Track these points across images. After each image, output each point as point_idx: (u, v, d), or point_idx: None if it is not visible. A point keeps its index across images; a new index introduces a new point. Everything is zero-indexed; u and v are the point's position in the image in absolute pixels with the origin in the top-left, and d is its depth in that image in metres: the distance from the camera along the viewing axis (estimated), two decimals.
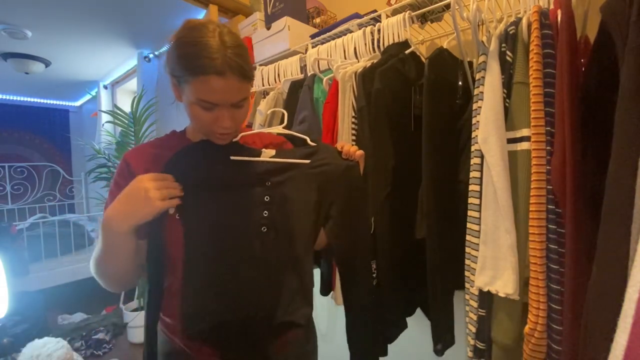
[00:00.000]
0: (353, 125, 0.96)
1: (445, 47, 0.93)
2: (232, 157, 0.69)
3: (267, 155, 0.72)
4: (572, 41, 0.64)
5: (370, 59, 1.05)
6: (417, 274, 0.92)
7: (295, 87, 1.20)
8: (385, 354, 0.97)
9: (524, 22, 0.73)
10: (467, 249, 0.80)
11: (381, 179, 0.91)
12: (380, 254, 0.92)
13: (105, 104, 3.71)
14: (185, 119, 0.73)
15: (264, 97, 1.46)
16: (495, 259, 0.71)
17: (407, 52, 0.98)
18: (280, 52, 1.41)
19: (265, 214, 0.69)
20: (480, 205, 0.74)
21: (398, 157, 0.92)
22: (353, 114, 0.96)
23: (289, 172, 0.73)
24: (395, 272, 0.93)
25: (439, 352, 0.90)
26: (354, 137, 0.94)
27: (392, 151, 0.91)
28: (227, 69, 0.59)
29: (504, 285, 0.69)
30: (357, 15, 1.19)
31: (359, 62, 1.07)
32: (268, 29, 1.44)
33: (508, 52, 0.74)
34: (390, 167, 0.91)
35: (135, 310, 1.79)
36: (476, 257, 0.75)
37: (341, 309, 0.80)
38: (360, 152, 0.76)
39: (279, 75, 1.39)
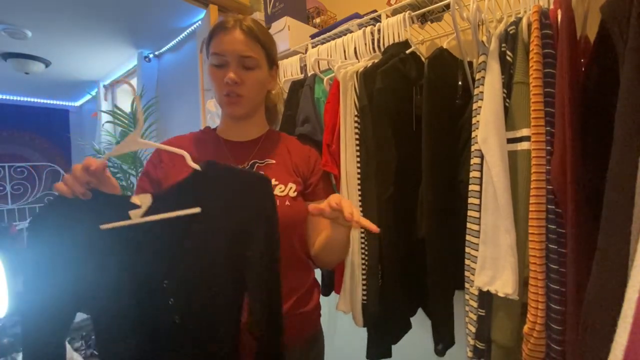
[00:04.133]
0: (356, 125, 0.95)
1: (445, 47, 0.93)
2: (101, 227, 0.51)
3: (137, 214, 0.51)
4: (572, 41, 0.64)
5: (371, 58, 1.05)
6: (420, 273, 0.92)
7: (296, 87, 1.20)
8: (389, 355, 0.97)
9: (524, 22, 0.73)
10: (467, 249, 0.80)
11: (385, 179, 0.91)
12: (385, 255, 0.92)
13: (105, 104, 3.71)
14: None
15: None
16: (494, 259, 0.71)
17: (407, 52, 0.98)
18: (280, 52, 1.41)
19: (171, 302, 0.54)
20: (480, 205, 0.74)
21: (400, 157, 0.92)
22: (355, 113, 0.96)
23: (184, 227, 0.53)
24: (399, 272, 0.93)
25: (439, 352, 0.90)
26: (357, 137, 0.94)
27: (395, 151, 0.91)
28: (236, 27, 0.71)
29: (504, 285, 0.69)
30: (357, 15, 1.19)
31: (359, 62, 1.07)
32: (268, 28, 1.44)
33: (508, 52, 0.74)
34: (394, 167, 0.91)
35: None
36: (476, 257, 0.75)
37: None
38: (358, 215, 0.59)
39: (279, 75, 1.39)
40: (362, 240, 0.94)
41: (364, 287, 0.94)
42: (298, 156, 0.83)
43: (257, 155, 0.79)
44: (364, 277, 0.94)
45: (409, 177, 0.91)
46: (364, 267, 0.94)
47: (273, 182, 0.72)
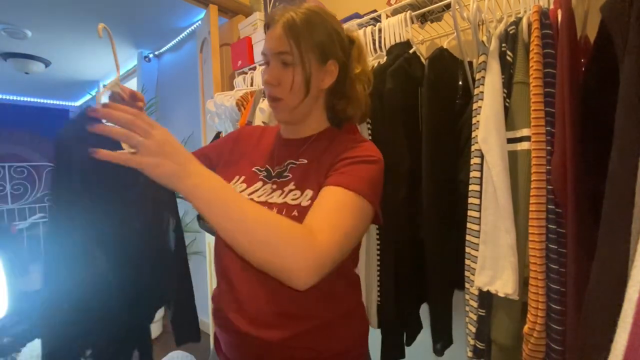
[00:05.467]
0: (368, 126, 0.95)
1: (445, 47, 0.93)
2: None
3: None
4: (572, 41, 0.64)
5: (375, 58, 1.05)
6: (424, 271, 0.92)
7: None
8: (403, 356, 0.97)
9: (524, 22, 0.73)
10: (467, 249, 0.80)
11: (398, 180, 0.89)
12: (399, 256, 0.92)
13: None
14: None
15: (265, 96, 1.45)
16: (495, 258, 0.71)
17: (410, 52, 0.98)
18: None
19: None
20: (480, 205, 0.74)
21: (411, 157, 0.91)
22: None
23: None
24: (414, 273, 0.93)
25: (438, 351, 0.91)
26: (370, 138, 0.94)
27: (407, 151, 0.90)
28: (277, 21, 0.63)
29: (504, 285, 0.69)
30: (357, 15, 1.19)
31: None
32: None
33: (508, 52, 0.74)
34: (406, 167, 0.90)
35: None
36: (476, 257, 0.75)
37: None
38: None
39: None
40: (377, 242, 0.94)
41: (379, 288, 0.94)
42: (335, 151, 0.65)
43: (300, 154, 0.69)
44: (379, 278, 0.94)
45: (418, 178, 0.90)
46: (378, 268, 0.94)
47: (290, 186, 0.64)
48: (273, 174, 0.67)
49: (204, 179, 0.47)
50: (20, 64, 2.97)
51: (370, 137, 0.94)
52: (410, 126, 0.93)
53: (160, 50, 3.01)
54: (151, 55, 3.05)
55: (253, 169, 0.70)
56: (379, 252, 0.94)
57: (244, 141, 0.77)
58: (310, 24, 0.63)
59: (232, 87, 1.71)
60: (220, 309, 0.65)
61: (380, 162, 0.63)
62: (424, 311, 1.02)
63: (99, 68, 3.44)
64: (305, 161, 0.67)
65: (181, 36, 2.71)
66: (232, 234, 0.47)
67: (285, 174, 0.66)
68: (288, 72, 0.63)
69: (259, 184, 0.67)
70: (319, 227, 0.51)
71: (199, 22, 2.13)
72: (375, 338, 0.96)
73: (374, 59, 1.04)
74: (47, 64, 3.11)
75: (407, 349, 0.99)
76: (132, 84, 3.44)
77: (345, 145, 0.64)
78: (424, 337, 0.98)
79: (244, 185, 0.67)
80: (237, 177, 0.69)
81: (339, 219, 0.53)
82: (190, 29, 2.59)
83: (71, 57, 3.10)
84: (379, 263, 0.94)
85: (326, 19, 0.67)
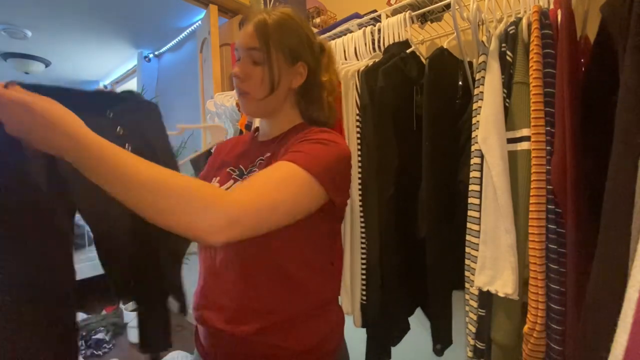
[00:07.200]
0: (357, 123, 0.95)
1: (445, 47, 0.93)
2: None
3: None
4: (572, 41, 0.64)
5: (372, 57, 1.05)
6: (419, 273, 0.92)
7: None
8: (389, 357, 0.97)
9: (524, 22, 0.73)
10: (467, 249, 0.80)
11: (386, 178, 0.90)
12: (385, 254, 0.92)
13: None
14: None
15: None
16: (494, 258, 0.71)
17: (407, 51, 0.98)
18: None
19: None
20: (480, 205, 0.74)
21: (401, 156, 0.91)
22: (357, 112, 0.95)
23: None
24: (399, 272, 0.93)
25: (438, 352, 0.91)
26: (358, 136, 0.94)
27: (396, 150, 0.91)
28: (250, 20, 0.67)
29: (504, 285, 0.69)
30: (357, 15, 1.19)
31: (360, 62, 1.07)
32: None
33: (508, 52, 0.74)
34: (395, 166, 0.91)
35: (135, 310, 1.80)
36: (476, 257, 0.75)
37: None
38: None
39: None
40: (362, 240, 0.94)
41: (364, 287, 0.94)
42: (295, 138, 0.66)
43: (269, 150, 0.70)
44: (364, 277, 0.94)
45: (410, 177, 0.91)
46: (363, 266, 0.94)
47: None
48: (245, 173, 0.70)
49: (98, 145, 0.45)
50: (20, 64, 2.97)
51: (358, 135, 0.94)
52: (402, 125, 0.93)
53: (160, 50, 3.01)
54: (151, 55, 3.05)
55: (227, 170, 0.73)
56: (364, 251, 0.94)
57: (220, 153, 0.83)
58: (281, 26, 0.67)
59: (232, 87, 1.71)
60: (196, 304, 0.68)
61: (338, 146, 0.61)
62: (423, 312, 1.03)
63: (98, 68, 3.45)
64: (269, 154, 0.69)
65: (181, 36, 2.71)
66: (133, 187, 0.44)
67: (254, 169, 0.69)
68: (256, 69, 0.66)
69: (231, 182, 0.70)
70: (243, 190, 0.51)
71: (199, 22, 2.13)
72: (361, 336, 0.96)
73: (370, 59, 1.05)
74: (47, 64, 3.11)
75: (406, 349, 0.99)
76: (132, 84, 3.44)
77: (305, 132, 0.65)
78: (424, 337, 0.98)
79: (217, 185, 0.71)
80: (213, 180, 0.74)
81: (269, 188, 0.52)
82: (190, 29, 2.59)
83: (71, 57, 3.10)
84: (364, 261, 0.94)
85: (299, 23, 0.70)
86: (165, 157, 0.67)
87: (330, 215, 0.64)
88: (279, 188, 0.52)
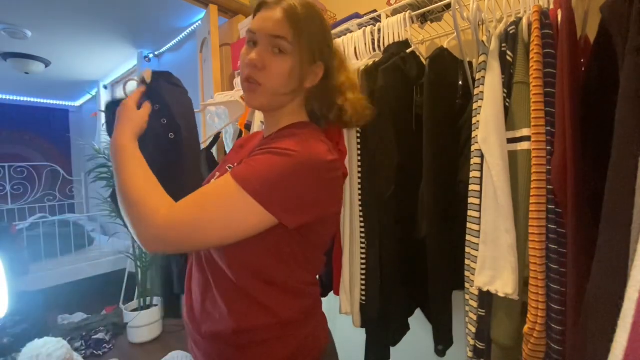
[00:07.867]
0: None
1: (445, 47, 0.93)
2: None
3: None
4: (572, 41, 0.64)
5: (372, 57, 1.05)
6: (419, 273, 0.92)
7: None
8: (388, 357, 0.97)
9: (524, 22, 0.73)
10: (467, 249, 0.80)
11: (385, 178, 0.90)
12: (384, 254, 0.92)
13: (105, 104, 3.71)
14: None
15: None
16: (495, 259, 0.71)
17: (407, 51, 0.98)
18: None
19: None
20: (480, 205, 0.74)
21: (401, 156, 0.92)
22: None
23: None
24: (399, 272, 0.93)
25: (440, 352, 0.91)
26: (358, 135, 0.94)
27: (396, 150, 0.91)
28: (275, 4, 0.58)
29: (504, 285, 0.69)
30: (357, 15, 1.19)
31: (359, 62, 1.07)
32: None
33: (508, 52, 0.74)
34: (395, 165, 0.91)
35: (135, 310, 1.79)
36: (476, 257, 0.75)
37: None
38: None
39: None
40: (362, 240, 0.94)
41: (363, 287, 0.94)
42: (267, 139, 0.65)
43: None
44: (363, 277, 0.94)
45: (410, 177, 0.91)
46: (363, 266, 0.94)
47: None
48: None
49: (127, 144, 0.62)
50: (20, 64, 2.97)
51: (358, 134, 0.95)
52: (402, 125, 0.93)
53: (160, 50, 3.01)
54: (151, 55, 3.05)
55: (227, 167, 0.70)
56: (363, 250, 0.94)
57: (234, 147, 0.86)
58: (312, 19, 0.59)
59: (232, 87, 1.71)
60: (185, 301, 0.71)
61: (297, 157, 0.53)
62: (422, 312, 1.03)
63: (98, 68, 3.45)
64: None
65: (181, 36, 2.71)
66: (119, 187, 0.56)
67: None
68: (277, 59, 0.58)
69: None
70: (182, 203, 0.53)
71: (199, 22, 2.13)
72: (361, 337, 0.96)
73: (370, 58, 1.05)
74: (47, 64, 3.11)
75: (406, 350, 0.99)
76: (132, 84, 3.44)
77: (277, 135, 0.62)
78: (424, 338, 0.98)
79: None
80: (217, 174, 0.74)
81: (201, 204, 0.52)
82: (190, 29, 2.59)
83: (71, 57, 3.10)
84: (364, 261, 0.94)
85: (323, 17, 0.63)
86: (191, 131, 0.87)
87: (298, 237, 0.58)
88: (211, 205, 0.52)
